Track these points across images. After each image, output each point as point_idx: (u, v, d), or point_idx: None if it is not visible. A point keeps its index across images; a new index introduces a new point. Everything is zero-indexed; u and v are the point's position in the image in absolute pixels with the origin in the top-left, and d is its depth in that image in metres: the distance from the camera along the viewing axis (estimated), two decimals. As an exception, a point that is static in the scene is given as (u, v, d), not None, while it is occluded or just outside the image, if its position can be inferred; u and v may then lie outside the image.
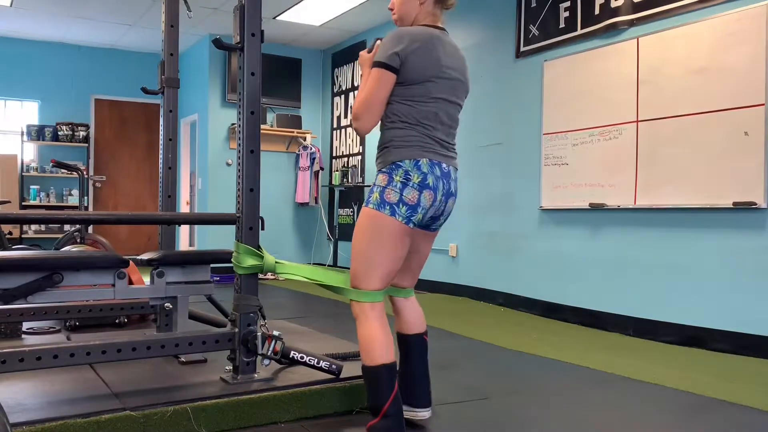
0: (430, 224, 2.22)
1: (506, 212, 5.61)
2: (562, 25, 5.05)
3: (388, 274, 2.12)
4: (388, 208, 2.06)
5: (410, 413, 2.32)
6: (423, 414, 2.31)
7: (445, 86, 2.13)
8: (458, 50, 2.22)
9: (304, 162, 8.24)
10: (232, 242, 2.50)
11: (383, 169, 2.12)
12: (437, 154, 2.13)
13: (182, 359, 2.76)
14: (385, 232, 2.07)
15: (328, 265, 8.18)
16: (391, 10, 2.27)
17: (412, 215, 2.07)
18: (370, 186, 2.56)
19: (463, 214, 6.00)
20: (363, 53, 2.22)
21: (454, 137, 2.23)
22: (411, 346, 2.33)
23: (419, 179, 2.07)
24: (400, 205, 2.05)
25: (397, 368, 2.34)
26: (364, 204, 2.15)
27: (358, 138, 7.93)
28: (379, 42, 2.20)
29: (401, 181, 2.06)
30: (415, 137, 2.10)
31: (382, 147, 2.16)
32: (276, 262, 2.43)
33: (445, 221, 2.27)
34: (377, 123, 2.14)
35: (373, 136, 7.70)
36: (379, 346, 2.04)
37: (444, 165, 2.14)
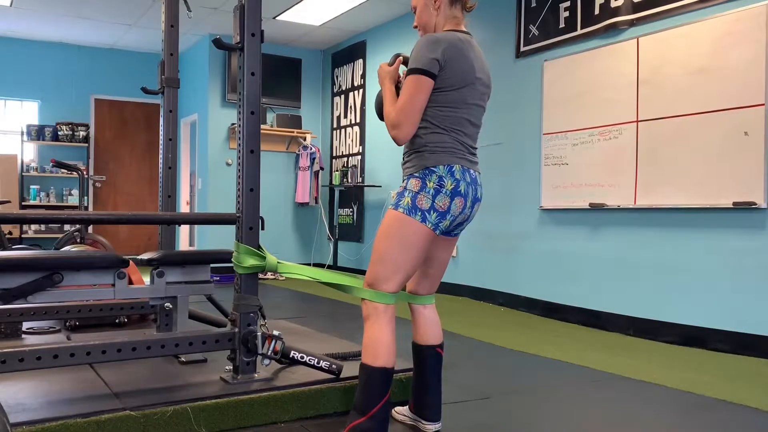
0: (454, 230, 2.21)
1: (506, 212, 5.61)
2: (562, 25, 5.05)
3: (407, 277, 2.12)
4: (419, 214, 2.04)
5: (418, 424, 2.32)
6: (431, 428, 2.29)
7: (477, 92, 2.14)
8: (482, 54, 2.22)
9: (304, 162, 8.24)
10: (232, 242, 2.50)
11: (416, 174, 2.09)
12: (467, 161, 2.14)
13: (182, 359, 2.76)
14: (413, 237, 2.05)
15: (328, 266, 8.18)
16: (416, 27, 2.28)
17: (440, 222, 2.07)
18: (397, 189, 2.52)
19: (463, 214, 5.99)
20: (384, 65, 2.23)
21: (477, 141, 2.24)
22: (425, 357, 2.31)
23: (452, 186, 2.06)
24: (431, 212, 2.04)
25: (413, 378, 2.35)
26: (392, 206, 2.11)
27: (358, 138, 7.93)
28: (401, 57, 2.21)
29: (435, 188, 2.05)
30: (449, 143, 2.10)
31: (414, 151, 2.13)
32: (278, 262, 2.43)
33: (467, 225, 2.26)
34: (416, 128, 2.11)
35: (377, 135, 7.68)
36: (384, 349, 2.03)
37: (472, 171, 2.15)
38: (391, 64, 2.21)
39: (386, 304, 2.07)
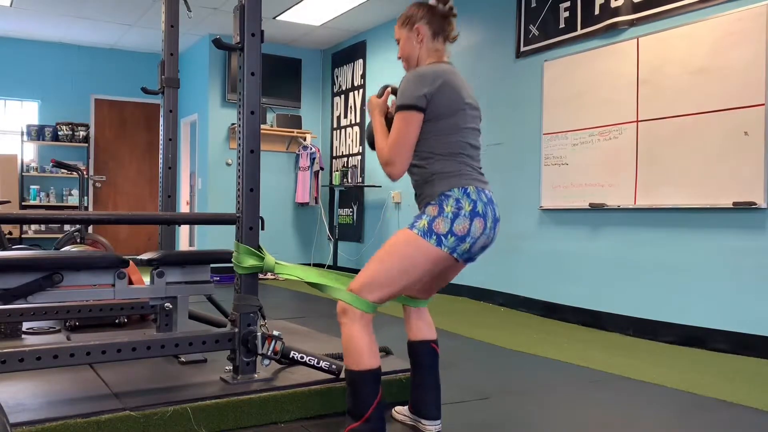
0: (478, 253, 2.13)
1: (506, 212, 5.60)
2: (562, 25, 5.05)
3: (397, 294, 2.10)
4: (434, 238, 2.01)
5: (418, 424, 2.32)
6: (430, 427, 2.28)
7: (469, 116, 2.15)
8: (465, 81, 2.24)
9: (304, 162, 8.24)
10: (232, 242, 2.50)
11: (431, 202, 2.07)
12: (479, 181, 2.12)
13: (182, 359, 2.76)
14: (421, 259, 2.02)
15: (328, 266, 8.18)
16: (401, 58, 2.30)
17: (458, 245, 2.03)
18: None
19: (463, 214, 6.00)
20: (373, 98, 2.24)
21: (480, 162, 2.23)
22: (420, 353, 2.31)
23: (470, 207, 2.04)
24: (449, 236, 2.01)
25: (411, 377, 2.34)
26: (408, 226, 2.07)
27: (358, 138, 7.93)
28: (389, 88, 2.22)
29: (453, 211, 2.02)
30: (456, 167, 2.09)
31: (424, 182, 2.11)
32: (276, 263, 2.43)
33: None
34: (409, 163, 2.12)
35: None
36: (365, 351, 2.01)
37: (486, 191, 2.13)
38: (379, 96, 2.23)
39: (363, 311, 2.03)
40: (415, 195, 2.19)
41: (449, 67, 2.19)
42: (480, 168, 2.19)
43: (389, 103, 2.23)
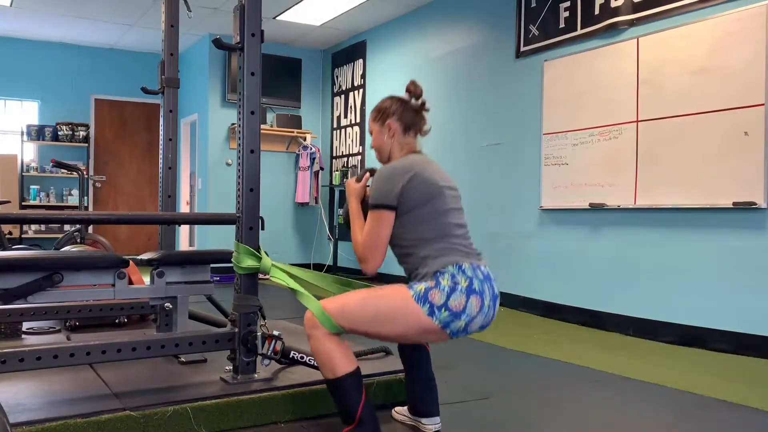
0: (475, 332, 2.06)
1: (506, 212, 5.61)
2: (562, 25, 5.05)
3: (368, 337, 2.07)
4: (427, 306, 1.96)
5: (418, 424, 2.32)
6: (429, 426, 2.29)
7: (448, 198, 2.13)
8: (438, 166, 2.24)
9: (304, 162, 8.24)
10: (232, 242, 2.50)
11: (428, 279, 2.02)
12: (472, 258, 2.08)
13: (182, 359, 2.76)
14: (404, 321, 1.98)
15: (328, 266, 8.18)
16: (373, 148, 2.33)
17: (451, 321, 1.97)
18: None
19: (463, 214, 6.00)
20: (350, 182, 2.26)
21: (470, 239, 2.18)
22: (410, 354, 2.32)
23: (466, 283, 1.99)
24: (443, 309, 1.95)
25: (405, 379, 2.34)
26: (407, 285, 2.02)
27: (358, 138, 7.93)
28: (368, 174, 2.23)
29: (450, 286, 1.97)
30: (445, 247, 2.06)
31: (416, 267, 2.08)
32: (273, 265, 2.43)
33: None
34: (383, 259, 2.11)
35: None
36: (337, 358, 2.01)
37: (483, 267, 2.07)
38: (358, 180, 2.25)
39: (331, 332, 2.02)
40: (408, 279, 2.14)
41: (420, 157, 2.20)
42: (471, 245, 2.14)
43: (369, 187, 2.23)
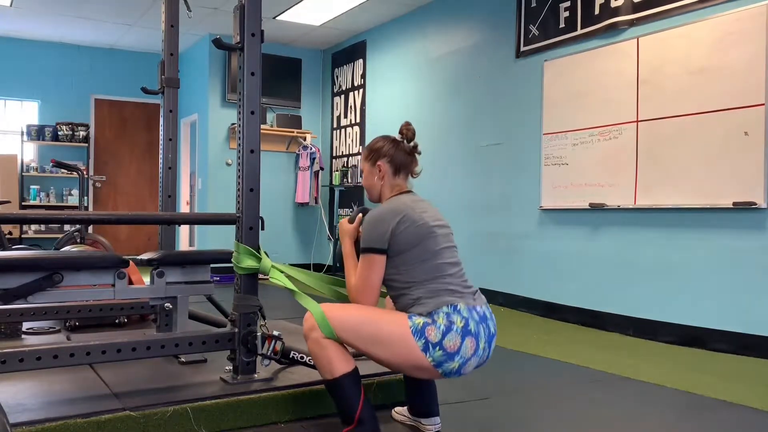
0: (469, 373, 2.06)
1: (506, 212, 5.61)
2: (562, 25, 5.05)
3: (361, 353, 2.08)
4: (423, 341, 1.95)
5: (418, 424, 2.32)
6: (429, 426, 2.29)
7: (440, 237, 2.12)
8: (429, 203, 2.24)
9: (304, 162, 8.24)
10: (232, 242, 2.50)
11: (423, 317, 2.00)
12: (467, 298, 2.06)
13: (182, 359, 2.76)
14: (398, 351, 1.98)
15: (328, 266, 8.18)
16: (364, 186, 2.34)
17: (445, 362, 1.96)
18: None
19: (462, 215, 6.00)
20: (343, 223, 2.26)
21: (465, 277, 2.16)
22: None
23: (462, 324, 1.97)
24: (437, 348, 1.94)
25: (404, 380, 2.33)
26: (408, 316, 2.01)
27: (358, 138, 7.93)
28: (361, 215, 2.23)
29: (445, 325, 1.96)
30: (439, 288, 2.04)
31: (411, 307, 2.06)
32: (272, 266, 2.43)
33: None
34: (377, 301, 2.11)
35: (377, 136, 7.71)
36: (336, 358, 2.02)
37: (479, 308, 2.05)
38: (351, 221, 2.25)
39: (328, 338, 2.04)
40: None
41: (409, 198, 2.20)
42: (466, 282, 2.12)
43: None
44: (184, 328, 2.82)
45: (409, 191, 2.28)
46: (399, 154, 2.26)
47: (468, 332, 1.98)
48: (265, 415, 2.32)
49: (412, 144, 2.29)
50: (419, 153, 2.32)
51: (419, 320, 1.99)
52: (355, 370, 2.06)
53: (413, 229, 2.08)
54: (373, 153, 2.28)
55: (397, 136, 2.30)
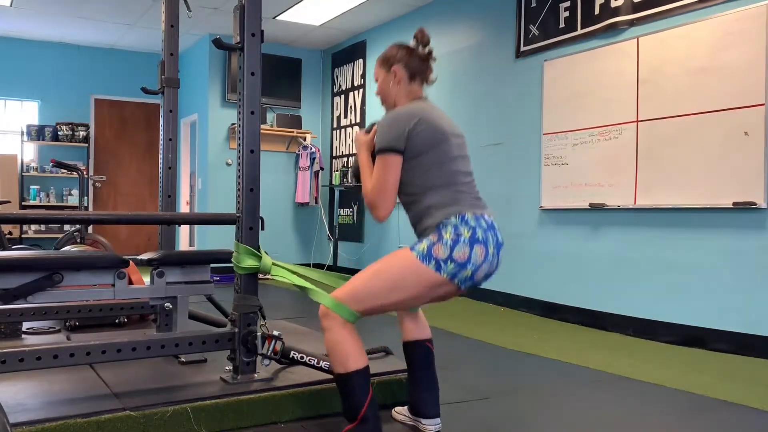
0: (482, 281, 2.09)
1: (506, 212, 5.61)
2: (562, 25, 5.05)
3: (387, 311, 2.09)
4: (433, 263, 1.98)
5: (418, 424, 2.32)
6: (430, 426, 2.29)
7: (454, 145, 2.14)
8: (444, 112, 2.24)
9: (304, 162, 8.24)
10: (232, 242, 2.50)
11: (430, 233, 2.04)
12: (477, 207, 2.09)
13: (182, 359, 2.76)
14: (415, 282, 1.99)
15: (328, 266, 8.18)
16: (377, 95, 2.32)
17: (458, 272, 1.99)
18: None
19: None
20: (360, 134, 2.24)
21: (476, 187, 2.19)
22: (415, 354, 2.31)
23: (469, 234, 2.00)
24: (448, 262, 1.98)
25: (408, 379, 2.34)
26: (409, 246, 2.04)
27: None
28: (376, 127, 2.21)
29: (452, 238, 1.99)
30: (449, 196, 2.07)
31: (420, 217, 2.10)
32: (273, 264, 2.43)
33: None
34: (394, 205, 2.11)
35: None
36: (351, 353, 2.01)
37: (486, 216, 2.08)
38: (367, 133, 2.24)
39: (346, 320, 2.03)
40: (414, 230, 2.16)
41: (425, 103, 2.20)
42: (477, 193, 2.15)
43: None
44: (184, 328, 2.82)
45: (425, 99, 2.25)
46: (414, 59, 2.24)
47: (476, 240, 2.01)
48: (265, 415, 2.32)
49: (427, 50, 2.27)
50: (434, 59, 2.29)
51: (422, 245, 2.01)
52: (367, 367, 2.05)
53: (430, 132, 2.08)
54: (387, 59, 2.26)
55: (412, 43, 2.27)
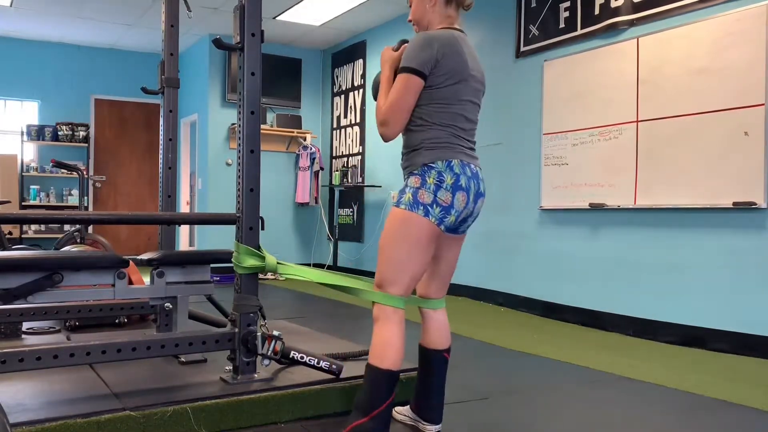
0: (459, 227, 2.17)
1: (506, 212, 5.61)
2: (562, 25, 5.05)
3: (415, 278, 2.09)
4: (421, 208, 2.02)
5: (418, 425, 2.32)
6: (431, 430, 2.29)
7: (470, 88, 2.14)
8: (475, 51, 2.22)
9: (304, 162, 8.24)
10: (232, 242, 2.50)
11: (415, 171, 2.08)
12: (466, 155, 2.12)
13: (182, 359, 2.76)
14: (417, 233, 2.03)
15: (328, 266, 8.18)
16: (411, 21, 2.28)
17: (444, 217, 2.04)
18: (400, 188, 2.46)
19: (463, 214, 6.00)
20: (388, 49, 2.20)
21: (474, 137, 2.23)
22: (430, 361, 2.30)
23: (452, 180, 2.04)
24: (434, 206, 2.02)
25: (417, 380, 2.34)
26: (394, 204, 2.10)
27: (358, 138, 7.93)
28: (406, 44, 2.17)
29: (435, 183, 2.03)
30: (444, 139, 2.09)
31: (412, 150, 2.12)
32: (278, 263, 2.43)
33: (473, 222, 2.24)
34: (404, 128, 2.12)
35: (377, 135, 7.67)
36: (392, 351, 2.01)
37: (473, 166, 2.13)
38: (396, 50, 2.19)
39: (395, 307, 2.05)
40: (402, 160, 2.19)
41: (460, 34, 2.16)
42: (471, 142, 2.18)
43: None
44: (184, 328, 2.82)
45: (460, 30, 2.21)
46: None
47: (459, 187, 2.06)
48: (265, 415, 2.32)
49: None
50: None
51: (407, 196, 2.05)
52: (399, 373, 2.04)
53: (456, 66, 2.07)
54: None
55: None
